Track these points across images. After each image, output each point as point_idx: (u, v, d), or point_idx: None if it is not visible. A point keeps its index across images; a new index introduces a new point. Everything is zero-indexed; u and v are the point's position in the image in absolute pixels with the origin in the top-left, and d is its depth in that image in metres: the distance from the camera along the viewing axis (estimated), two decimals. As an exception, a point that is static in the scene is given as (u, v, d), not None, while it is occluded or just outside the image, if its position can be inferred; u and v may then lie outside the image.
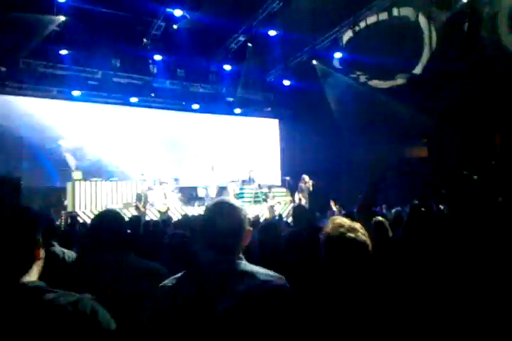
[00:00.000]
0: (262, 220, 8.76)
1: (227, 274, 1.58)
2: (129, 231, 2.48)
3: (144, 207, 12.66)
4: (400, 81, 13.98)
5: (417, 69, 13.10)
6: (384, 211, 10.84)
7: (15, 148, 13.85)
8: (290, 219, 10.04)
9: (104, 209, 12.46)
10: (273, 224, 4.41)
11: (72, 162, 15.06)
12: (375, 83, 14.69)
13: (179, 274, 1.69)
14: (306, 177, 14.61)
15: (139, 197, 12.88)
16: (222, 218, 1.66)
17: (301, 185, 14.55)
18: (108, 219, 2.31)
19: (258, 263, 1.70)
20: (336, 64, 15.67)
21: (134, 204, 12.85)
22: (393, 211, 7.72)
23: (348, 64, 15.24)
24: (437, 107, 12.64)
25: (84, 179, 13.29)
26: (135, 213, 11.92)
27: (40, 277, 1.36)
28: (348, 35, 14.46)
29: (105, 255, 2.19)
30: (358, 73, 15.12)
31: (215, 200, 1.78)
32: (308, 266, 2.20)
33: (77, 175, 13.38)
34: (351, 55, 14.70)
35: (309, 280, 1.87)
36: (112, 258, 2.18)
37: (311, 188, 14.43)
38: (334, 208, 14.05)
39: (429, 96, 12.97)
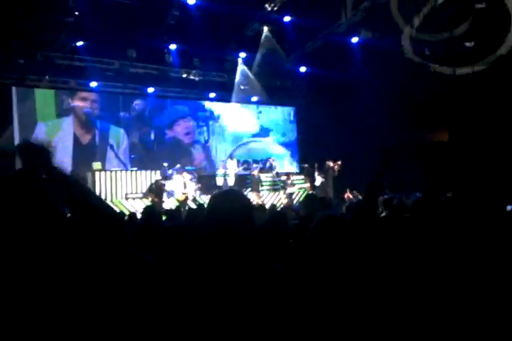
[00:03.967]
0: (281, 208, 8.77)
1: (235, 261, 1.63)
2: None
3: (158, 197, 12.65)
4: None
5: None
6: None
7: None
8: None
9: (123, 198, 12.53)
10: (281, 213, 4.40)
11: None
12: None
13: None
14: (330, 163, 14.57)
15: (150, 189, 12.93)
16: (226, 205, 1.71)
17: (327, 169, 14.51)
18: None
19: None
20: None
21: (148, 196, 12.92)
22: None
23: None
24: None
25: (104, 169, 13.45)
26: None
27: None
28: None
29: None
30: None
31: (220, 190, 1.85)
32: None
33: (96, 165, 13.54)
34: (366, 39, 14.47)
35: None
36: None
37: (336, 173, 14.43)
38: (350, 196, 14.00)
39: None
